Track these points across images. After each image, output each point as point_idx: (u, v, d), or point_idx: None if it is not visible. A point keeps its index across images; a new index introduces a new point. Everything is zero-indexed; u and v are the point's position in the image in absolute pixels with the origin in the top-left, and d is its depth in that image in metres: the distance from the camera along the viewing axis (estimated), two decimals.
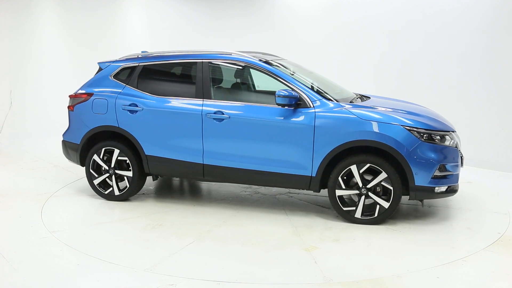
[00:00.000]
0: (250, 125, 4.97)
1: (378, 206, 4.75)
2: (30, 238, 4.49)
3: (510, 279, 3.74)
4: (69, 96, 5.86)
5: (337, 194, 4.83)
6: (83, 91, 5.71)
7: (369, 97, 5.62)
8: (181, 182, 6.59)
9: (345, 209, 4.85)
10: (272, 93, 4.91)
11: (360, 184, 4.74)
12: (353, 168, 4.73)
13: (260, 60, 5.23)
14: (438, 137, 4.70)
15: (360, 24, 8.68)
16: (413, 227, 4.79)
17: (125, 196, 5.57)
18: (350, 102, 5.06)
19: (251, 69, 5.48)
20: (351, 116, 4.72)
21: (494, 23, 7.15)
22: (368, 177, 4.75)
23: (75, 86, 6.65)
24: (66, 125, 5.98)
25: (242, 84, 5.78)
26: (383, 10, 8.37)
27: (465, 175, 6.56)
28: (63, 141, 5.87)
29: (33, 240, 4.46)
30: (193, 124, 5.15)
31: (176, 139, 5.25)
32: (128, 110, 5.41)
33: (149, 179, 6.05)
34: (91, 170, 5.61)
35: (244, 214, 5.18)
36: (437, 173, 4.63)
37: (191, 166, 5.25)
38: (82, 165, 5.72)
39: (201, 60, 5.33)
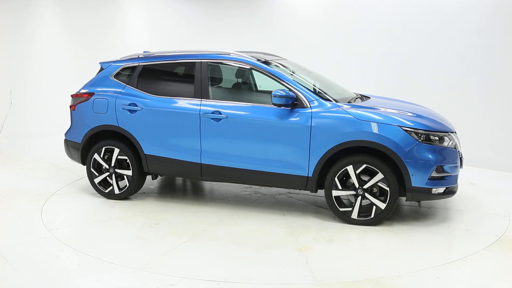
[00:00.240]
0: (247, 125, 4.98)
1: (374, 207, 4.72)
2: (30, 238, 4.49)
3: (510, 279, 3.74)
4: (71, 95, 5.93)
5: (333, 195, 4.82)
6: (84, 91, 5.78)
7: (369, 97, 5.61)
8: (184, 182, 6.60)
9: (341, 209, 4.83)
10: (271, 93, 4.91)
11: (357, 185, 4.72)
12: (350, 168, 4.71)
13: (259, 60, 5.23)
14: (436, 138, 4.67)
15: (360, 24, 8.68)
16: (410, 228, 4.76)
17: (125, 195, 5.60)
18: (349, 102, 5.04)
19: (252, 70, 5.48)
20: (348, 116, 4.70)
21: (494, 23, 7.15)
22: (366, 178, 4.73)
23: (75, 86, 6.66)
24: (66, 125, 6.02)
25: (240, 84, 5.79)
26: (383, 10, 8.37)
27: (468, 176, 6.57)
28: (65, 140, 5.94)
29: (33, 240, 4.46)
30: (191, 124, 5.16)
31: (175, 138, 5.27)
32: (127, 110, 5.45)
33: (150, 178, 6.06)
34: (92, 169, 5.66)
35: (241, 214, 5.18)
36: (435, 174, 4.59)
37: (189, 166, 5.26)
38: (84, 164, 5.77)
39: (199, 60, 5.34)
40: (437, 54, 7.75)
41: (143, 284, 3.62)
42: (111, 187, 5.61)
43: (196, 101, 5.21)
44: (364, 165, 4.67)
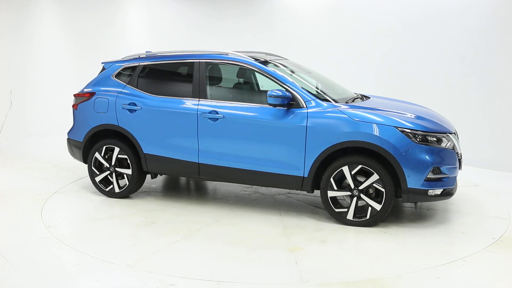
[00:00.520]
0: (243, 125, 4.98)
1: (370, 208, 4.69)
2: (30, 238, 4.50)
3: (510, 279, 3.73)
4: (74, 95, 6.02)
5: (329, 195, 4.80)
6: (86, 90, 5.86)
7: (369, 97, 5.61)
8: (187, 181, 6.61)
9: (337, 210, 4.81)
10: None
11: (352, 186, 4.70)
12: (345, 169, 4.69)
13: (256, 60, 5.23)
14: (434, 139, 4.61)
15: (360, 24, 8.68)
16: (406, 230, 4.70)
17: (124, 194, 5.64)
18: (346, 102, 5.00)
19: (250, 70, 5.47)
20: (343, 116, 4.67)
21: (494, 23, 7.14)
22: (362, 179, 4.69)
23: (75, 86, 6.68)
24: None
25: (238, 84, 5.78)
26: (383, 10, 8.37)
27: (468, 176, 6.54)
28: (68, 139, 6.02)
29: (33, 240, 4.46)
30: (189, 124, 5.18)
31: (173, 138, 5.30)
32: (127, 109, 5.49)
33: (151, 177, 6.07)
34: (93, 168, 5.72)
35: (237, 214, 5.19)
36: (431, 175, 4.53)
37: (187, 165, 5.28)
38: (85, 163, 5.84)
39: (198, 60, 5.36)
40: (437, 54, 7.75)
41: (143, 284, 3.62)
42: (111, 186, 5.67)
43: (194, 101, 5.23)
44: (360, 166, 4.64)
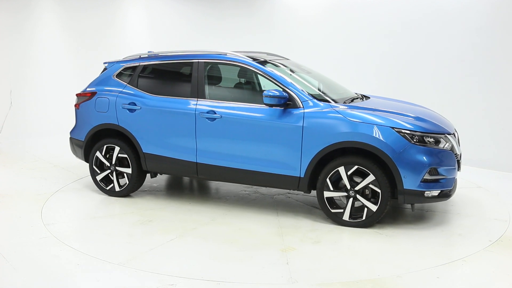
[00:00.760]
0: (240, 124, 4.98)
1: (366, 209, 4.66)
2: (30, 238, 4.50)
3: (510, 279, 3.73)
4: (76, 94, 6.07)
5: (325, 196, 4.79)
6: (88, 90, 5.92)
7: (369, 97, 5.60)
8: (190, 180, 6.62)
9: (333, 211, 4.79)
10: None
11: (348, 186, 4.67)
12: (341, 169, 4.67)
13: (254, 60, 5.23)
14: (431, 140, 4.57)
15: (360, 24, 8.68)
16: (402, 231, 4.66)
17: (125, 192, 5.68)
18: (344, 102, 4.98)
19: (248, 70, 5.46)
20: (339, 116, 4.66)
21: (494, 23, 7.15)
22: (358, 179, 4.67)
23: (75, 86, 6.68)
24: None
25: (237, 84, 5.78)
26: (383, 10, 8.37)
27: (472, 178, 6.51)
28: (70, 138, 6.08)
29: (33, 240, 4.46)
30: (187, 123, 5.20)
31: (171, 137, 5.32)
32: (127, 109, 5.53)
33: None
34: (94, 166, 5.76)
35: (234, 213, 5.19)
36: (428, 176, 4.48)
37: (185, 164, 5.30)
38: (87, 161, 5.90)
39: (196, 60, 5.38)
40: (437, 54, 7.74)
41: (143, 284, 3.62)
42: (112, 184, 5.72)
43: (193, 100, 5.25)
44: (356, 167, 4.61)
